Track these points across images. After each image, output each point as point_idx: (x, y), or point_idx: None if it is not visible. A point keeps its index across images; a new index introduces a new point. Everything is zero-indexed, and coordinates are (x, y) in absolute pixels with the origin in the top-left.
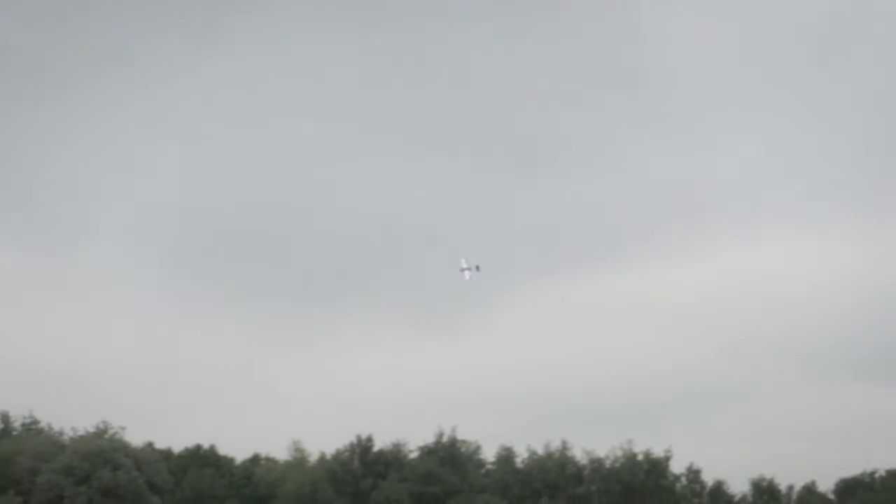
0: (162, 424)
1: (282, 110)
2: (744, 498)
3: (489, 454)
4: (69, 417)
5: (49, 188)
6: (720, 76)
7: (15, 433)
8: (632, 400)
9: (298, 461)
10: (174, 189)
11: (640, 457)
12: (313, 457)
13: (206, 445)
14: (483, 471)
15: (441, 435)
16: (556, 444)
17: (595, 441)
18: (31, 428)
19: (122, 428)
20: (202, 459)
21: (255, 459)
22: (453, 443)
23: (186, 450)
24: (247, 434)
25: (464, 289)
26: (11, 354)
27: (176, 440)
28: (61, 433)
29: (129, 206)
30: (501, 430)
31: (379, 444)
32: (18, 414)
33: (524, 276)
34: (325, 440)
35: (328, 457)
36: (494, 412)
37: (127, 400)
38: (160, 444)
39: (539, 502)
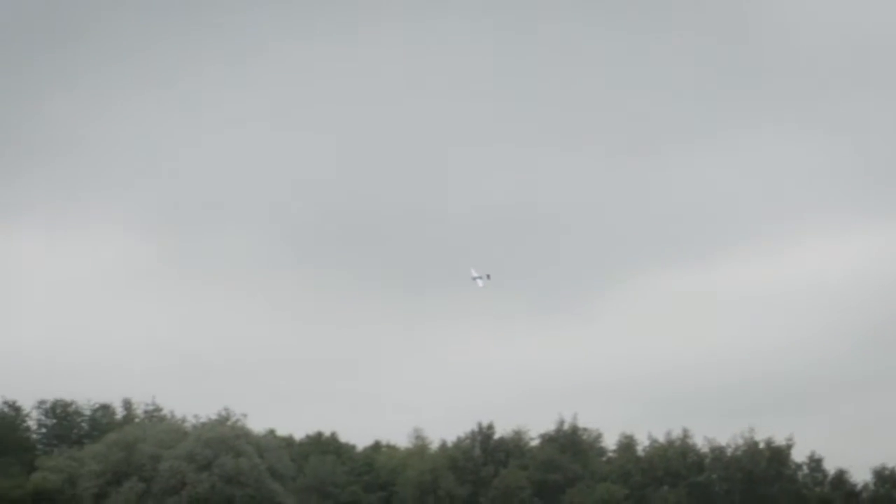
0: (284, 411)
1: (413, 96)
2: (865, 487)
3: (610, 442)
4: (192, 404)
5: (177, 171)
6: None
7: (137, 420)
8: (754, 388)
9: (419, 448)
10: (304, 175)
11: (761, 445)
12: (434, 444)
13: (327, 433)
14: (604, 459)
15: (562, 422)
16: (677, 433)
17: (716, 429)
18: (154, 415)
19: (245, 415)
20: (324, 446)
21: (376, 447)
22: (574, 430)
23: (308, 437)
24: (368, 421)
25: (585, 277)
26: (134, 341)
27: (298, 427)
28: (184, 420)
29: (259, 192)
30: (622, 418)
31: (500, 432)
32: (141, 401)
33: (647, 264)
34: (446, 428)
35: (449, 444)
36: (615, 400)
37: (249, 387)
38: (282, 432)
39: (660, 490)
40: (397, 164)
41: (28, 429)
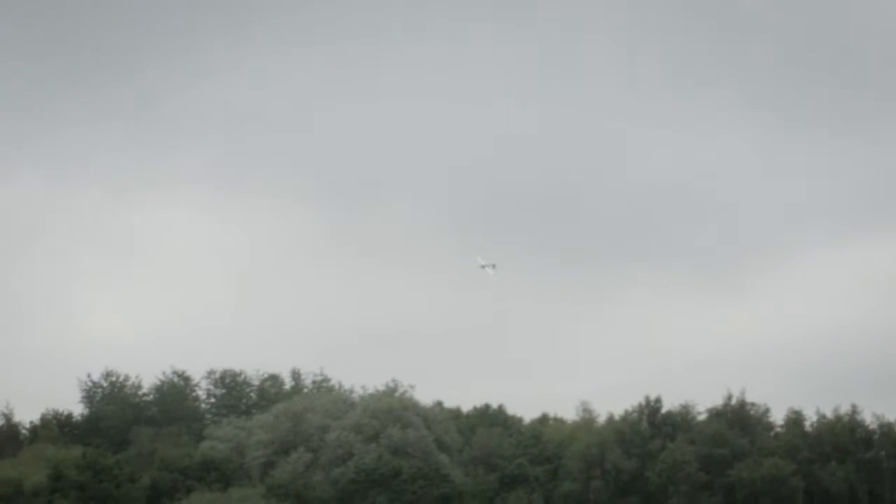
0: (451, 383)
1: (580, 74)
2: None
3: (777, 417)
4: (359, 375)
5: (350, 147)
6: None
7: (306, 390)
8: None
9: (586, 422)
10: (471, 150)
11: None
12: (601, 417)
13: (494, 405)
14: (771, 434)
15: (730, 397)
16: (845, 409)
17: (885, 406)
18: (322, 386)
19: (412, 386)
20: (491, 419)
21: (543, 419)
22: (742, 405)
23: (475, 409)
24: (535, 394)
25: (754, 251)
26: (303, 312)
27: (465, 399)
28: (351, 391)
29: (430, 166)
30: (790, 393)
31: (667, 406)
32: (309, 371)
33: (816, 240)
34: (613, 401)
35: (616, 418)
36: (783, 375)
37: (417, 359)
38: (449, 404)
39: (827, 466)
40: (571, 139)
41: (197, 398)
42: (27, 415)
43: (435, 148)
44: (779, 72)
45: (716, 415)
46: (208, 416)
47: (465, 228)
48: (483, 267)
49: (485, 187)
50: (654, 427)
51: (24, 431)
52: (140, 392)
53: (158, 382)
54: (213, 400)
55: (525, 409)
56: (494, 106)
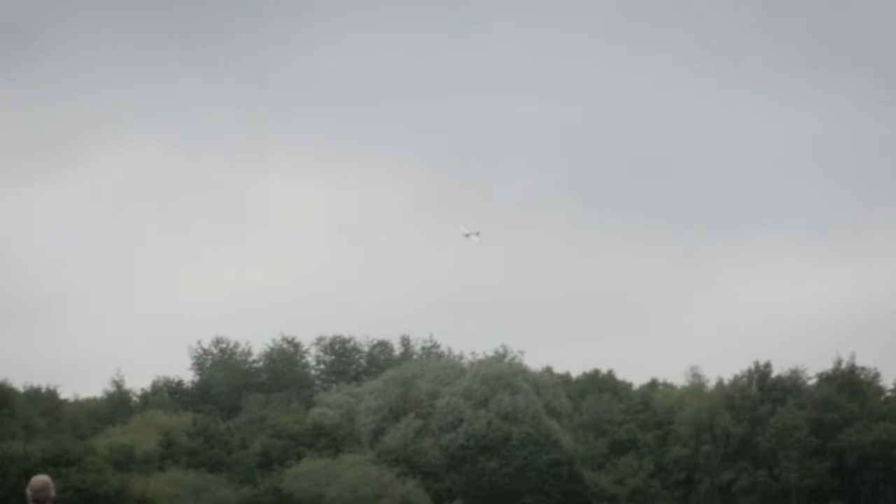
0: (561, 349)
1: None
2: None
3: (888, 381)
4: (469, 341)
5: (456, 111)
6: None
7: (415, 357)
8: None
9: (696, 387)
10: (584, 113)
11: None
12: (711, 382)
13: (604, 370)
14: (882, 398)
15: (839, 362)
16: None
17: None
18: (432, 352)
19: (522, 352)
20: (600, 384)
21: (652, 385)
22: (852, 370)
23: (585, 374)
24: (645, 359)
25: (865, 215)
26: (413, 279)
27: (574, 365)
28: (461, 357)
29: (538, 131)
30: None
31: (777, 371)
32: (419, 338)
33: None
34: (722, 366)
35: (726, 383)
36: (893, 339)
37: (527, 324)
38: (559, 369)
39: None
40: (683, 102)
41: (307, 365)
42: (138, 382)
43: (547, 109)
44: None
45: (825, 379)
46: (318, 382)
47: (576, 192)
48: (467, 235)
49: (596, 150)
50: (763, 392)
51: (135, 398)
52: (250, 359)
53: (268, 349)
54: (322, 366)
55: (634, 374)
56: (608, 65)
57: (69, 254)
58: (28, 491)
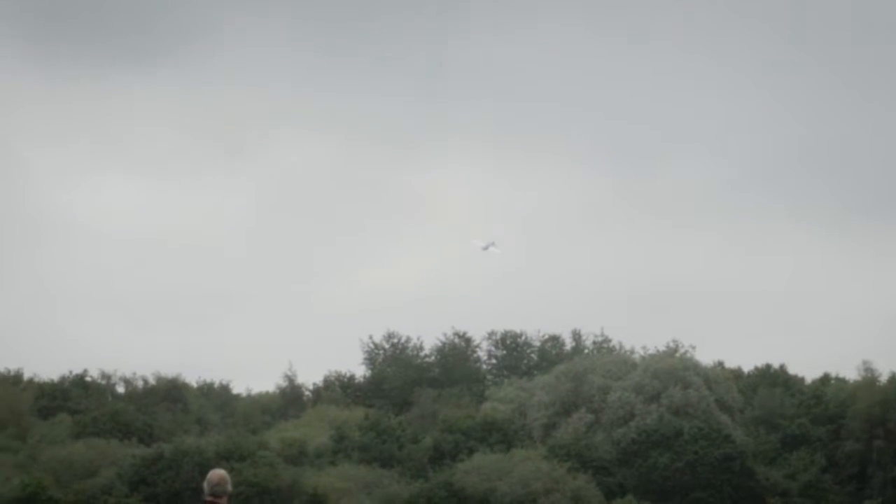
0: (732, 344)
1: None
2: None
3: None
4: (640, 336)
5: (628, 105)
6: None
7: (586, 351)
8: None
9: (868, 381)
10: (753, 107)
11: None
12: (883, 377)
13: (775, 365)
14: None
15: None
16: None
17: None
18: (603, 346)
19: (693, 347)
20: (772, 379)
21: (824, 379)
22: None
23: (756, 369)
24: (817, 353)
25: None
26: (584, 272)
27: (746, 359)
28: (632, 351)
29: (711, 125)
30: None
31: None
32: (590, 332)
33: None
34: None
35: None
36: None
37: (698, 319)
38: (730, 364)
39: None
40: (854, 94)
41: (478, 360)
42: (311, 377)
43: (718, 106)
44: None
45: None
46: (489, 377)
47: (748, 187)
48: (486, 248)
49: (768, 145)
50: None
51: (307, 393)
52: (422, 353)
53: (440, 344)
54: (494, 361)
55: (807, 368)
56: (778, 63)
57: (242, 249)
58: (205, 485)
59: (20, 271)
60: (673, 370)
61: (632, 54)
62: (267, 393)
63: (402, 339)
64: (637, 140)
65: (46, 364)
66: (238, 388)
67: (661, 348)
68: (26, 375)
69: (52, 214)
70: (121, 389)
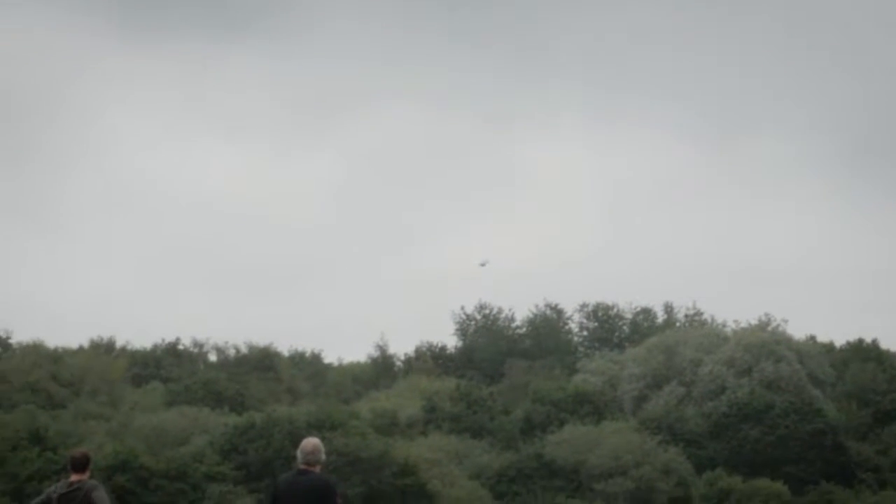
0: (824, 318)
1: None
2: None
3: None
4: (731, 309)
5: (709, 80)
6: None
7: (678, 324)
8: None
9: None
10: (855, 83)
11: None
12: None
13: (868, 340)
14: None
15: None
16: None
17: None
18: (695, 319)
19: (785, 321)
20: (864, 353)
21: None
22: None
23: (848, 343)
24: None
25: None
26: (675, 246)
27: (838, 334)
28: (724, 325)
29: (808, 97)
30: None
31: None
32: (682, 305)
33: None
34: None
35: None
36: None
37: (790, 293)
38: (822, 338)
39: None
40: None
41: (570, 332)
42: (402, 347)
43: (816, 77)
44: None
45: None
46: (580, 349)
47: (843, 164)
48: (483, 265)
49: (867, 123)
50: None
51: (398, 363)
52: (513, 325)
53: (531, 315)
54: (585, 333)
55: None
56: (869, 39)
57: (333, 218)
58: (298, 453)
59: (111, 241)
60: (765, 344)
61: (722, 25)
62: (358, 363)
63: (494, 311)
64: (731, 112)
65: (139, 332)
66: (329, 358)
67: (753, 322)
68: (118, 344)
69: (143, 183)
70: (213, 358)
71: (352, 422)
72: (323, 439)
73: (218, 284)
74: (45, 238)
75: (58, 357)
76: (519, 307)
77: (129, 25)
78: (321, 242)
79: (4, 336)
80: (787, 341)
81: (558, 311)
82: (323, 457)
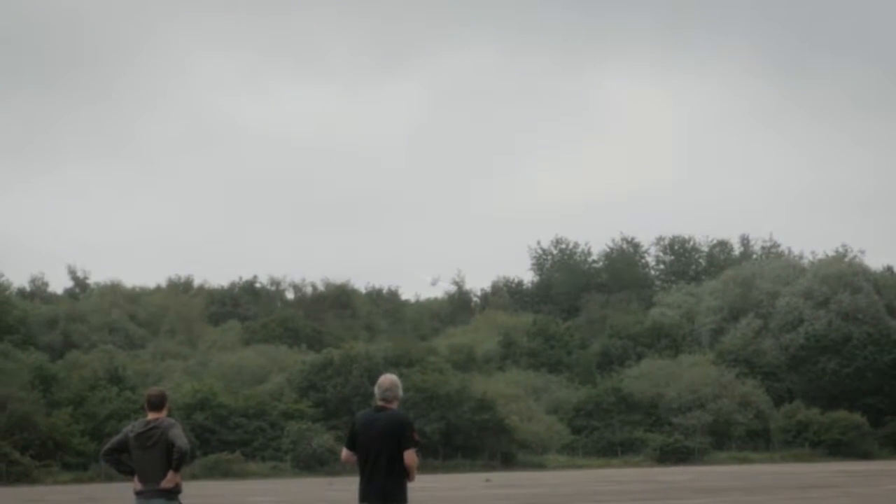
0: None
1: None
2: None
3: None
4: (808, 241)
5: (782, 11)
6: None
7: (755, 256)
8: None
9: None
10: None
11: None
12: None
13: None
14: None
15: None
16: None
17: None
18: (771, 251)
19: (862, 251)
20: None
21: None
22: None
23: None
24: None
25: None
26: (751, 178)
27: None
28: (800, 257)
29: (883, 27)
30: None
31: None
32: (758, 237)
33: None
34: None
35: None
36: None
37: (868, 224)
38: None
39: None
40: None
41: (647, 265)
42: (478, 282)
43: (888, 4)
44: None
45: None
46: (657, 282)
47: None
48: (433, 283)
49: None
50: None
51: (475, 299)
52: (589, 259)
53: (608, 249)
54: (661, 266)
55: None
56: None
57: (410, 154)
58: (376, 389)
59: (188, 178)
60: (842, 275)
61: None
62: (435, 299)
63: (570, 245)
64: (807, 42)
65: (216, 271)
66: (406, 295)
67: (830, 253)
68: (196, 283)
69: (220, 121)
70: (290, 296)
71: (429, 358)
72: (400, 376)
73: (294, 222)
74: (123, 176)
75: (135, 297)
76: (595, 241)
77: None
78: (399, 178)
79: (82, 277)
80: (864, 272)
81: (634, 245)
82: (400, 393)
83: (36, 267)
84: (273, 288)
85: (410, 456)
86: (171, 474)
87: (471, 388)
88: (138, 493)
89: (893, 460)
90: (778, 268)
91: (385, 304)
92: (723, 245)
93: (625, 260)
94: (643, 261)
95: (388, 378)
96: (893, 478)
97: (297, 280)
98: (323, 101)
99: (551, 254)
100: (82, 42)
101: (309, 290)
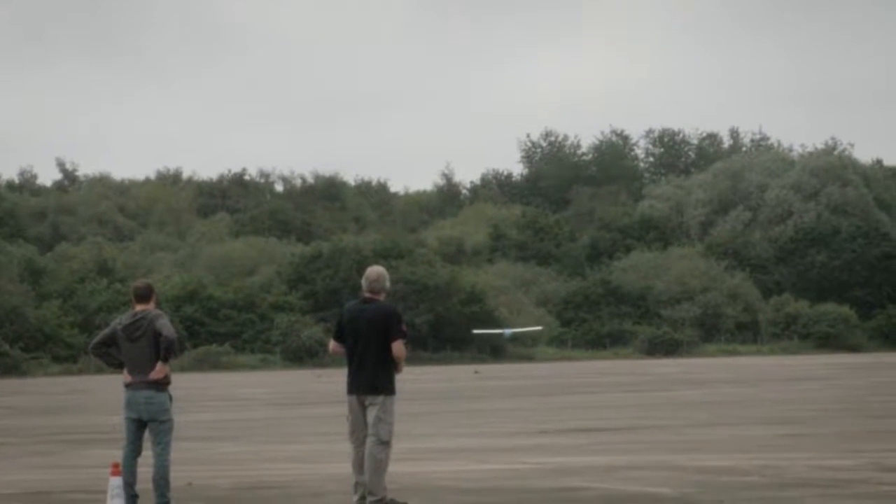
0: (891, 141)
1: None
2: None
3: None
4: (798, 134)
5: None
6: None
7: (744, 149)
8: None
9: None
10: None
11: None
12: None
13: None
14: None
15: None
16: None
17: None
18: (761, 144)
19: (851, 144)
20: None
21: None
22: None
23: None
24: None
25: None
26: (741, 70)
27: None
28: (790, 149)
29: None
30: None
31: None
32: (748, 130)
33: None
34: None
35: None
36: None
37: (856, 117)
38: (889, 162)
39: None
40: None
41: (636, 158)
42: (468, 175)
43: None
44: None
45: None
46: (646, 175)
47: None
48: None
49: None
50: None
51: (464, 191)
52: (579, 152)
53: (597, 142)
54: (651, 159)
55: None
56: None
57: (397, 47)
58: (363, 281)
59: (181, 74)
60: (831, 168)
61: None
62: (424, 191)
63: (560, 138)
64: None
65: (205, 164)
66: (395, 187)
67: (820, 146)
68: (185, 175)
69: (209, 17)
70: (279, 188)
71: (418, 250)
72: (389, 268)
73: (282, 115)
74: (112, 73)
75: (124, 189)
76: (584, 134)
77: None
78: (387, 71)
79: (71, 169)
80: (853, 165)
81: (624, 138)
82: (388, 285)
83: (25, 160)
84: (262, 180)
85: (398, 347)
86: (159, 365)
87: (460, 280)
88: (128, 385)
89: (882, 352)
90: (767, 160)
91: (374, 196)
92: (712, 138)
93: (614, 152)
94: (632, 153)
95: (376, 270)
96: (881, 370)
97: (286, 172)
98: None
99: (540, 146)
100: None
101: (298, 182)
